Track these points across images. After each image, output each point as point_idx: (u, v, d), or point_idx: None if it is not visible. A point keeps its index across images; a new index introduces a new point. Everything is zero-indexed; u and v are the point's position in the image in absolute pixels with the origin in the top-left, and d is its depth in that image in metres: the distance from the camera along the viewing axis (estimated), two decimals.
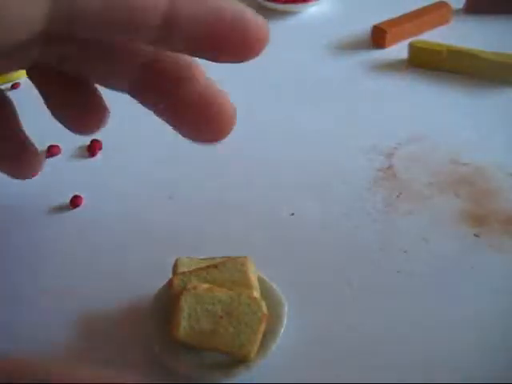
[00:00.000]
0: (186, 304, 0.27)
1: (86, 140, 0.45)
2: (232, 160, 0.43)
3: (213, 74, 0.58)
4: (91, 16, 0.18)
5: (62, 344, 0.31)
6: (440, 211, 0.37)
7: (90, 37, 0.20)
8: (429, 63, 0.51)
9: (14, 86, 0.52)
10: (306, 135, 0.45)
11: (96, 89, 0.27)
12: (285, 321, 0.29)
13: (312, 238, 0.35)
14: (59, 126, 0.48)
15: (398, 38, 0.56)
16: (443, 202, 0.38)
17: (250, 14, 0.20)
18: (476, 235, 0.35)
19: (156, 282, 0.33)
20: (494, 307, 0.31)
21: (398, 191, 0.39)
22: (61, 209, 0.39)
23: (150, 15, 0.18)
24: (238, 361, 0.27)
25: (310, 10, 0.63)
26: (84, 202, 0.40)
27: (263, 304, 0.27)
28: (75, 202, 0.39)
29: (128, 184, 0.41)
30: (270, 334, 0.28)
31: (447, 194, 0.38)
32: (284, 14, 0.63)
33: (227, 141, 0.45)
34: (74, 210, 0.39)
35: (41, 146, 0.45)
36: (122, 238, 0.37)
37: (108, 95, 0.55)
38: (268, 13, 0.63)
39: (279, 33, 0.60)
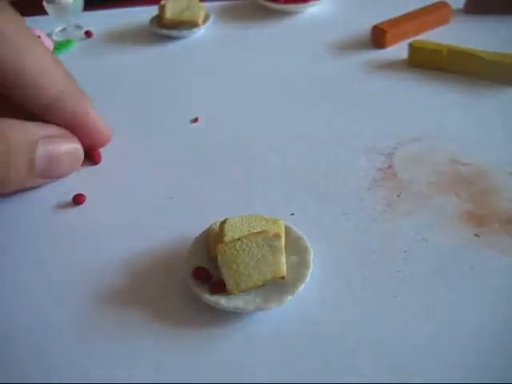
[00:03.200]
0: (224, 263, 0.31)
1: None
2: (232, 160, 0.43)
3: (214, 74, 0.57)
4: None
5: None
6: (440, 211, 0.37)
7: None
8: (429, 63, 0.51)
9: None
10: (306, 135, 0.45)
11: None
12: (311, 263, 0.33)
13: (312, 238, 0.35)
14: None
15: (398, 38, 0.56)
16: (443, 202, 0.38)
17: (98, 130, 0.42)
18: (476, 235, 0.35)
19: (158, 279, 0.33)
20: (494, 307, 0.31)
21: (398, 191, 0.39)
22: (64, 207, 0.39)
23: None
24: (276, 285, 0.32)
25: (310, 10, 0.63)
26: (87, 201, 0.40)
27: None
28: (78, 199, 0.39)
29: (128, 184, 0.41)
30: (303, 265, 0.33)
31: (447, 194, 0.38)
32: (284, 14, 0.63)
33: (227, 141, 0.45)
34: (77, 208, 0.39)
35: None
36: (122, 237, 0.37)
37: (109, 96, 0.55)
38: (268, 13, 0.63)
39: (279, 33, 0.60)
